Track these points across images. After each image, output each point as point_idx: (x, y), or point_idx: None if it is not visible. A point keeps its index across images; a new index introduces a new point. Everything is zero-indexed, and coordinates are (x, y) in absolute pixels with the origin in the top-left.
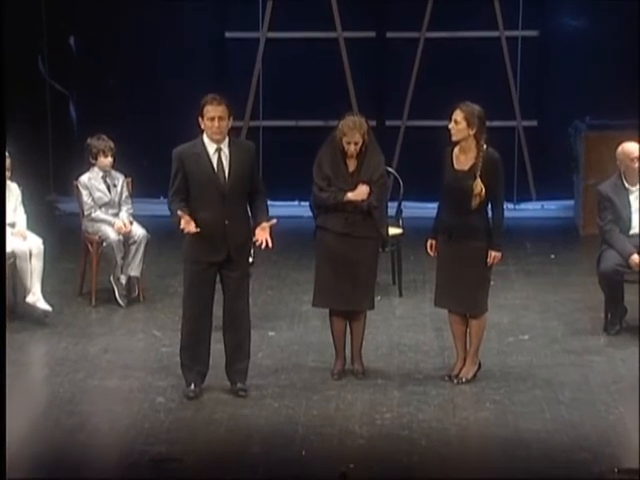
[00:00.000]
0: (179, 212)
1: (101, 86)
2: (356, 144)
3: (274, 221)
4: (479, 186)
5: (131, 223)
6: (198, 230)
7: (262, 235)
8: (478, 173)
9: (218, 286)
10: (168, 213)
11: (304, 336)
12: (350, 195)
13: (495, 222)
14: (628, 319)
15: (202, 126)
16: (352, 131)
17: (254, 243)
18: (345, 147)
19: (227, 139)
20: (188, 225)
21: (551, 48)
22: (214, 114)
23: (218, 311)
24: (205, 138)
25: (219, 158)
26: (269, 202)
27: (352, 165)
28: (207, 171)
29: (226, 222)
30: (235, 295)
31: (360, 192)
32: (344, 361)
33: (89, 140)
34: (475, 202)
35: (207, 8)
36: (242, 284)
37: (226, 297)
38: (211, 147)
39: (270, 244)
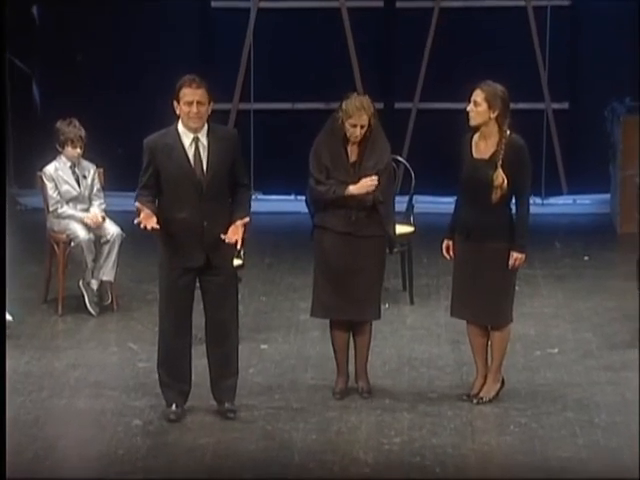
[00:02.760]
0: (137, 204)
1: (68, 63)
2: (362, 127)
3: (247, 219)
4: (500, 177)
5: (103, 219)
6: (158, 227)
7: (232, 235)
8: (500, 162)
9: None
10: None
11: (301, 349)
12: (352, 188)
13: (519, 219)
14: None
15: (177, 111)
16: (359, 112)
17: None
18: (349, 132)
19: (206, 127)
20: (147, 220)
21: (585, 19)
22: (192, 98)
23: (201, 321)
24: (180, 126)
25: (196, 149)
26: (261, 196)
27: (354, 154)
28: (182, 165)
29: (204, 223)
30: (219, 303)
31: (363, 185)
32: (347, 378)
33: (59, 124)
34: (496, 195)
35: None
36: (226, 290)
37: (208, 306)
38: (186, 137)
39: (239, 246)
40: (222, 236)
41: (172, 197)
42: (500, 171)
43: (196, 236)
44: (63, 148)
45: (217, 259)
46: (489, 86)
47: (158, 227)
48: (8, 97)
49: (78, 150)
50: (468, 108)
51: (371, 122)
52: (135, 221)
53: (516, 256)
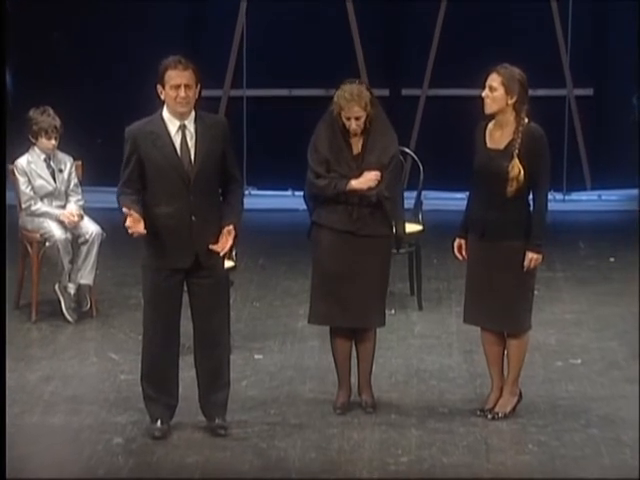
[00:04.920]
0: (124, 209)
1: (42, 47)
2: (357, 119)
3: (231, 227)
4: (517, 167)
5: (81, 217)
6: (145, 232)
7: (221, 245)
8: (516, 152)
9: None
10: None
11: (299, 360)
12: (354, 183)
13: (535, 215)
14: None
15: (162, 96)
16: (349, 104)
17: (234, 241)
18: (346, 124)
19: (193, 114)
20: (135, 225)
21: None
22: (179, 81)
23: (189, 329)
24: (165, 113)
25: (183, 138)
26: (255, 192)
27: (357, 146)
28: (168, 154)
29: (193, 218)
30: (208, 309)
31: (367, 179)
32: (349, 391)
33: (31, 113)
34: (511, 188)
35: None
36: (217, 295)
37: (197, 311)
38: (173, 124)
39: (225, 254)
40: (211, 246)
41: (157, 190)
42: (516, 161)
43: (184, 233)
44: (36, 139)
45: (207, 259)
46: (506, 69)
47: (145, 232)
48: None
49: (52, 141)
50: (483, 94)
51: (368, 111)
52: (127, 223)
53: (531, 256)
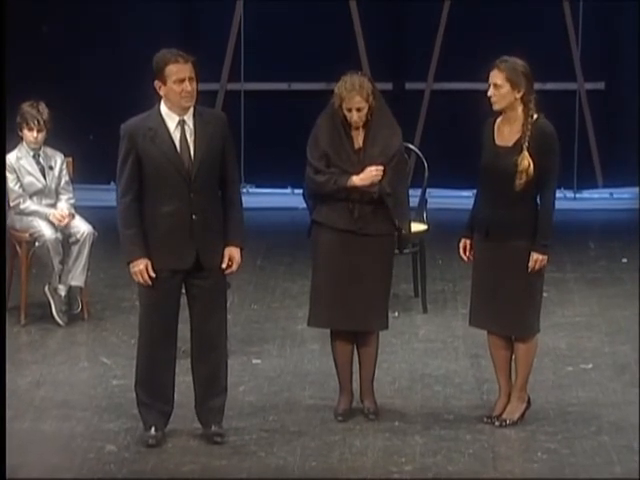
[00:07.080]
0: (132, 258)
1: (33, 38)
2: (359, 110)
3: (238, 250)
4: (526, 160)
5: (72, 216)
6: (150, 282)
7: (233, 262)
8: (525, 145)
9: (185, 300)
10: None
11: (299, 364)
12: (356, 179)
13: (542, 213)
14: None
15: (161, 92)
16: (350, 94)
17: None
18: (347, 116)
19: (191, 109)
20: (142, 275)
21: None
22: (183, 75)
23: (186, 332)
24: (163, 108)
25: (182, 133)
26: (253, 189)
27: (358, 139)
28: (167, 151)
29: (193, 217)
30: (207, 311)
31: (369, 175)
32: (351, 397)
33: (23, 106)
34: (520, 181)
35: None
36: (216, 297)
37: (195, 314)
38: (171, 120)
39: (233, 270)
40: (223, 265)
41: (156, 188)
42: (526, 153)
43: (184, 232)
44: (21, 132)
45: (207, 259)
46: (507, 63)
47: (150, 282)
48: None
49: (35, 134)
50: (489, 93)
51: (370, 103)
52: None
53: (537, 257)
